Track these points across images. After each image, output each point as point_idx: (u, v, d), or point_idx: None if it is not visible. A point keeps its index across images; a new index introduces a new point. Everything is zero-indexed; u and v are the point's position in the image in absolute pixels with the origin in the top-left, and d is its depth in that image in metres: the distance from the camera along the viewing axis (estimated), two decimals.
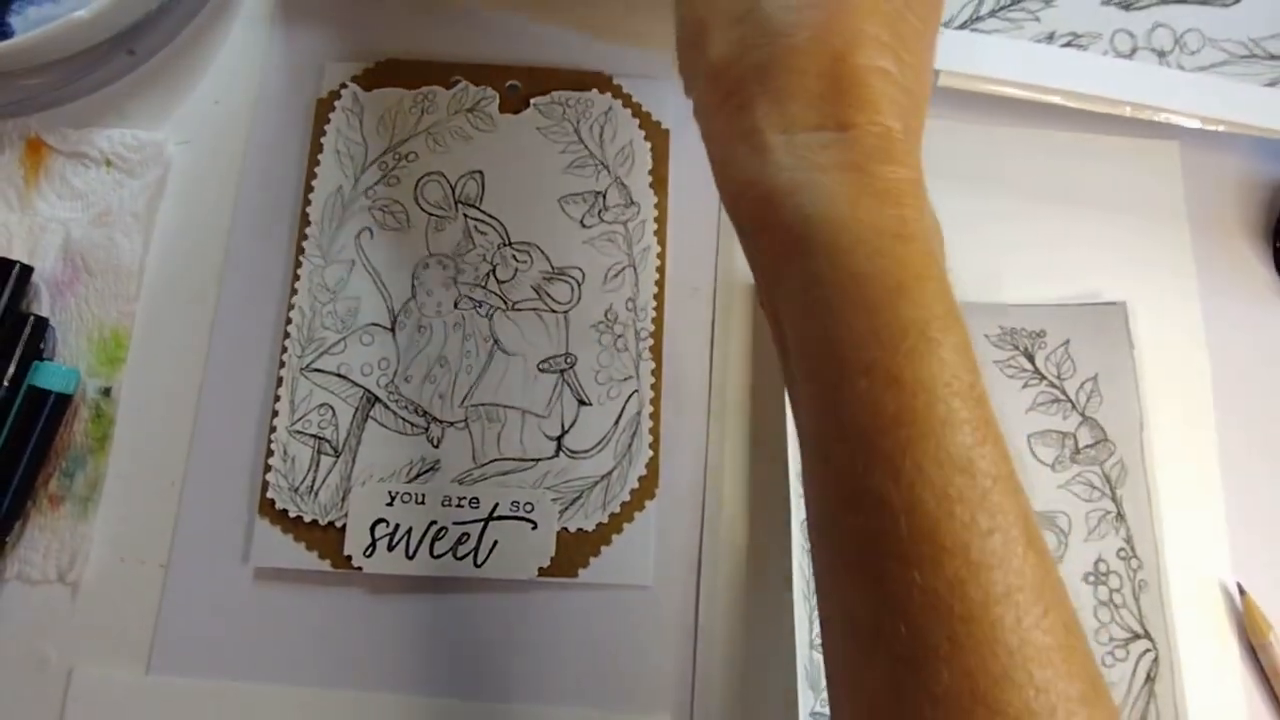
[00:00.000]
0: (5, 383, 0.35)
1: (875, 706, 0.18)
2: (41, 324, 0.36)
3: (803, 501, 0.33)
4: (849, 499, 0.18)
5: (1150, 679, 0.33)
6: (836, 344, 0.19)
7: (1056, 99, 0.35)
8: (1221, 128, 0.36)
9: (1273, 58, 0.36)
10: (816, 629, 0.32)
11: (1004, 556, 0.17)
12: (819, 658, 0.32)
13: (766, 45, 0.20)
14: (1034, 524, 0.18)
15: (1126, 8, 0.35)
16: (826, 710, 0.32)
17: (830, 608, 0.20)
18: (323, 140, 0.38)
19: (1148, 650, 0.33)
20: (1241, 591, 0.35)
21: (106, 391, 0.36)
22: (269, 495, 0.34)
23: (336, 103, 0.38)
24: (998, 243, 0.38)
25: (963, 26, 0.35)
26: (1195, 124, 0.36)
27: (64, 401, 0.35)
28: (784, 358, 0.21)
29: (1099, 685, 0.17)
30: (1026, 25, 0.35)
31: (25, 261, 0.36)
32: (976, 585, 0.16)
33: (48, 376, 0.35)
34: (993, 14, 0.35)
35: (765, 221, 0.20)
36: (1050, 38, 0.35)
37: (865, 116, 0.20)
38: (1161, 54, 0.35)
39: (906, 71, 0.20)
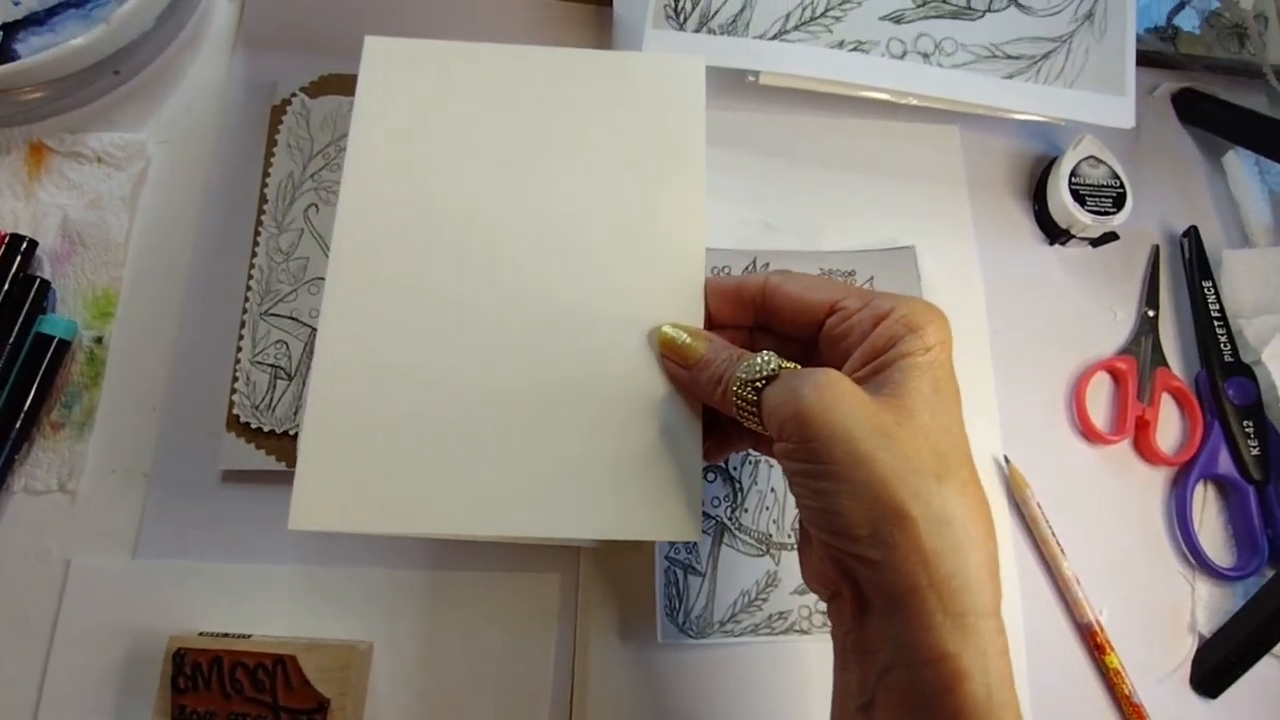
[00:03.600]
0: (15, 331, 0.43)
1: None
2: (45, 285, 0.44)
3: None
4: None
5: None
6: None
7: (846, 91, 0.46)
8: (965, 109, 0.47)
9: (1009, 57, 0.47)
10: None
11: None
12: None
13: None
14: None
15: (897, 21, 0.46)
16: (680, 555, 0.40)
17: None
18: (277, 137, 0.47)
19: None
20: (1007, 461, 0.45)
21: (99, 340, 0.44)
22: (234, 412, 0.42)
23: (288, 108, 0.48)
24: (816, 205, 0.48)
25: (774, 38, 0.45)
26: (949, 107, 0.46)
27: (64, 346, 0.43)
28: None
29: None
30: (822, 35, 0.46)
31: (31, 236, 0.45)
32: None
33: (52, 325, 0.43)
34: (796, 28, 0.46)
35: (950, 689, 0.24)
36: (841, 45, 0.46)
37: (999, 603, 0.26)
38: (925, 56, 0.46)
39: None
